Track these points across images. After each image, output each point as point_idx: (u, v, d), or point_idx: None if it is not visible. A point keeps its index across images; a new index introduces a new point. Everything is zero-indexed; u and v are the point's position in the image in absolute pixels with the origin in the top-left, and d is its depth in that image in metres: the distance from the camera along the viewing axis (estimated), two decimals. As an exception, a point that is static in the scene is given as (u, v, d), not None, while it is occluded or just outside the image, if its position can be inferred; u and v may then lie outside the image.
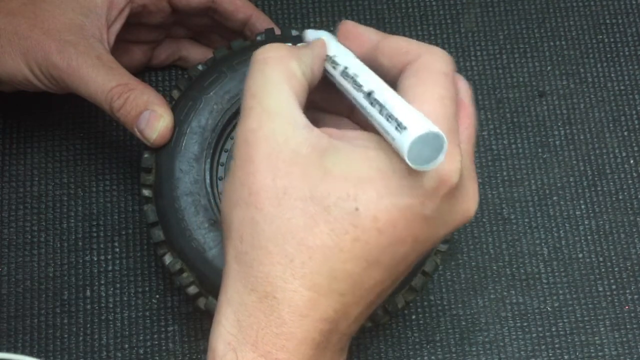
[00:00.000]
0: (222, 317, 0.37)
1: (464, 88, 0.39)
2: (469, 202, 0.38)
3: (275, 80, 0.37)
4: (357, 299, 0.37)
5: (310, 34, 0.42)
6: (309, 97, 0.39)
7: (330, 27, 0.63)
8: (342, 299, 0.36)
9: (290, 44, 0.40)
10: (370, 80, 0.37)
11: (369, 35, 0.40)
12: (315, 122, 0.38)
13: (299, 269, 0.35)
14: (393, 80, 0.38)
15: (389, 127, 0.34)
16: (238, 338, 0.36)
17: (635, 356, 0.56)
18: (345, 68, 0.38)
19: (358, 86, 0.37)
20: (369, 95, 0.36)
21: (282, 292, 0.36)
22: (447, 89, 0.36)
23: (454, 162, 0.36)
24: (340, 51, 0.40)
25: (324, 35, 0.41)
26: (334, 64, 0.39)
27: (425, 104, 0.35)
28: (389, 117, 0.34)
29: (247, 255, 0.36)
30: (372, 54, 0.39)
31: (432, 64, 0.37)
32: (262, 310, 0.36)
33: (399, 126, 0.33)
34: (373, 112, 0.35)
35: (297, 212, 0.35)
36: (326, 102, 0.43)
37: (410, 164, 0.33)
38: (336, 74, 0.39)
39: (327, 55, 0.40)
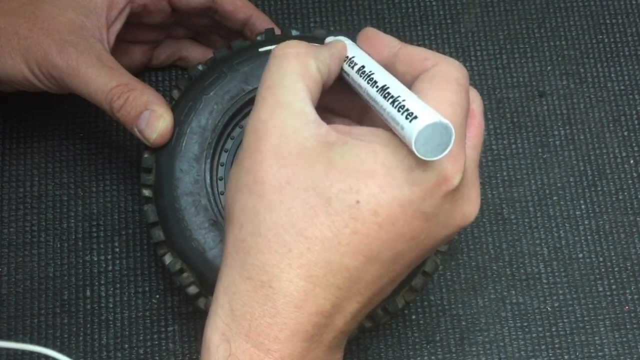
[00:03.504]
0: (217, 307, 0.37)
1: (477, 101, 0.40)
2: (470, 207, 0.38)
3: (290, 75, 0.38)
4: (353, 294, 0.37)
5: (331, 39, 0.43)
6: (322, 100, 0.40)
7: (330, 27, 0.63)
8: (338, 292, 0.36)
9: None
10: (385, 78, 0.38)
11: (389, 42, 0.40)
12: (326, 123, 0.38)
13: (296, 259, 0.35)
14: (408, 86, 0.38)
15: (400, 117, 0.35)
16: (232, 328, 0.36)
17: (635, 356, 0.56)
18: (363, 66, 0.39)
19: (373, 82, 0.38)
20: (383, 89, 0.37)
21: (278, 281, 0.36)
22: (460, 96, 0.37)
23: (457, 164, 0.36)
24: (359, 53, 0.41)
25: (344, 39, 0.42)
26: (352, 63, 0.40)
27: (436, 107, 0.35)
28: (401, 107, 0.35)
29: (246, 242, 0.37)
30: (391, 61, 0.40)
31: (448, 72, 0.37)
32: (256, 299, 0.36)
33: (409, 115, 0.34)
34: (385, 104, 0.36)
35: (299, 202, 0.36)
36: (339, 105, 0.44)
37: (416, 152, 0.34)
38: (352, 72, 0.40)
39: (346, 57, 0.41)
